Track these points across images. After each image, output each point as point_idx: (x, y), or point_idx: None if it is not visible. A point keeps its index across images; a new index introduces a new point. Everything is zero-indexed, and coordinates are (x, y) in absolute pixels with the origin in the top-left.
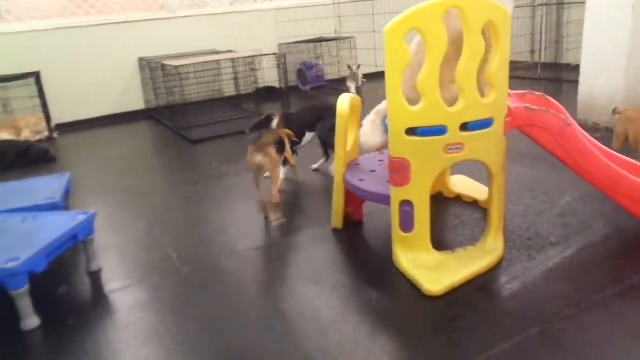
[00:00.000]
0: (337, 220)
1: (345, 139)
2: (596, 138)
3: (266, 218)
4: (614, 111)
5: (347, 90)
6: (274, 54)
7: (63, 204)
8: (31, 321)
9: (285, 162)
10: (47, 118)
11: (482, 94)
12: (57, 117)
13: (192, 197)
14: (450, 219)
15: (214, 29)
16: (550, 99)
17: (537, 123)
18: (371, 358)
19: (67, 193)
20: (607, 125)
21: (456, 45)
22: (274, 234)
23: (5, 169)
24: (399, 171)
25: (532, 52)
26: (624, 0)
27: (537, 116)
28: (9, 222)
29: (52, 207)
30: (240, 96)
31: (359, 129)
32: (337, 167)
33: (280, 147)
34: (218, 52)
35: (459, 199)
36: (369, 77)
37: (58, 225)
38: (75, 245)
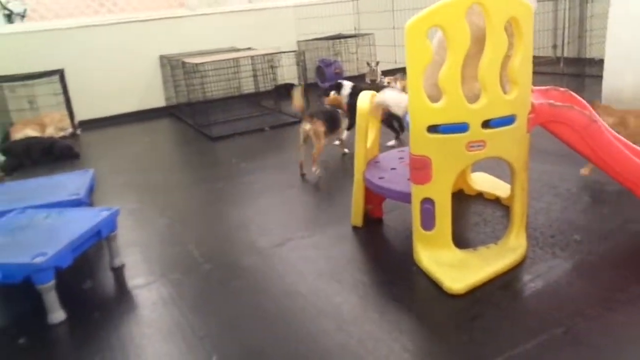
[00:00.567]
0: (357, 218)
1: (366, 137)
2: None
3: (302, 175)
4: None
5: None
6: (293, 52)
7: (87, 200)
8: (57, 315)
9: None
10: (71, 115)
11: (505, 91)
12: (80, 114)
13: (213, 193)
14: (472, 217)
15: (232, 26)
16: (575, 95)
17: (561, 119)
18: (392, 356)
19: (91, 189)
20: None
21: (478, 41)
22: (295, 231)
23: (31, 165)
24: (420, 169)
25: (555, 46)
26: None
27: (561, 113)
28: (36, 217)
29: (76, 203)
30: (259, 93)
31: (379, 127)
32: (357, 165)
33: (333, 121)
34: (237, 50)
35: (480, 196)
36: (387, 73)
37: (83, 221)
38: (99, 241)
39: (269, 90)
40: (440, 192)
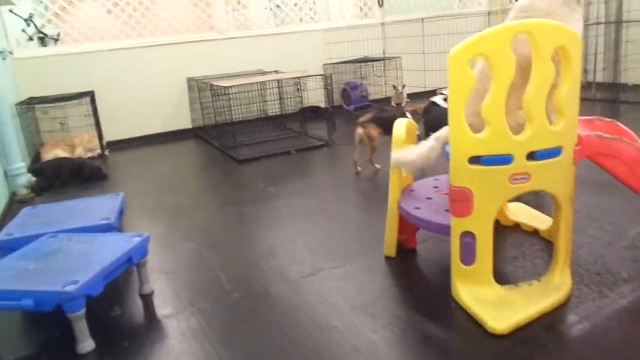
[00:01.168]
0: (390, 249)
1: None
2: None
3: (357, 173)
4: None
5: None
6: (320, 75)
7: (117, 225)
8: (86, 344)
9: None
10: (100, 136)
11: (550, 121)
12: (108, 135)
13: (240, 218)
14: (510, 249)
15: (259, 49)
16: (621, 125)
17: (610, 152)
18: None
19: (121, 213)
20: None
21: (522, 71)
22: (325, 261)
23: (60, 185)
24: (461, 201)
25: (585, 71)
26: None
27: (610, 145)
28: (67, 242)
29: (107, 228)
30: (285, 115)
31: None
32: (391, 194)
33: (387, 125)
34: (264, 73)
35: (517, 227)
36: (413, 96)
37: (114, 247)
38: (129, 267)
39: (294, 112)
40: (482, 226)
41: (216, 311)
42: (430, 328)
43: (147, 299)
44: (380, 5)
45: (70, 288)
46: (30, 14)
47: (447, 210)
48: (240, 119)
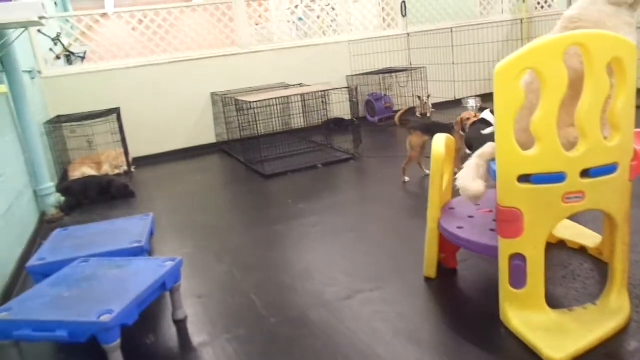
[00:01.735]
0: (430, 269)
1: (441, 183)
2: None
3: (403, 182)
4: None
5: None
6: (346, 88)
7: (148, 247)
8: None
9: None
10: (126, 152)
11: (603, 135)
12: (134, 151)
13: (271, 237)
14: (557, 269)
15: (282, 63)
16: None
17: None
18: None
19: (151, 234)
20: None
21: (572, 85)
22: (362, 282)
23: (88, 204)
24: (510, 222)
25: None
26: None
27: None
28: (100, 267)
29: (138, 251)
30: (309, 128)
31: (452, 169)
32: (430, 212)
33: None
34: (287, 86)
35: (562, 244)
36: (436, 106)
37: (148, 273)
38: (163, 292)
39: (318, 125)
40: (533, 248)
41: (253, 338)
42: (480, 356)
43: (181, 325)
44: (404, 15)
45: (106, 318)
46: (58, 33)
47: (492, 230)
48: (265, 133)
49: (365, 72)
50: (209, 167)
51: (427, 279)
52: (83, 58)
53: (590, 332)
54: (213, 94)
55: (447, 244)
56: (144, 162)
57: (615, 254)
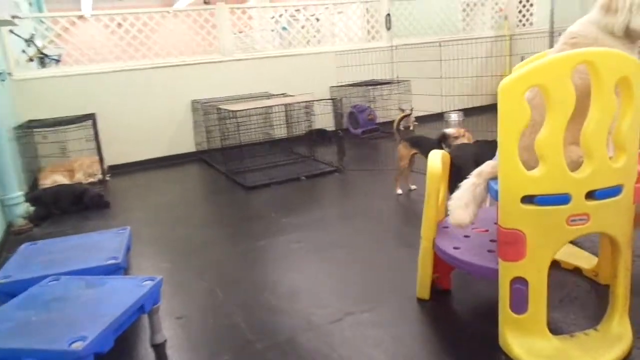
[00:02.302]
0: (423, 290)
1: (437, 201)
2: None
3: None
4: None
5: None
6: (330, 99)
7: (125, 265)
8: None
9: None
10: (101, 160)
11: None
12: (109, 159)
13: (254, 253)
14: (553, 291)
15: (266, 72)
16: None
17: None
18: None
19: (127, 250)
20: None
21: (577, 103)
22: (353, 303)
23: (59, 215)
24: (512, 244)
25: None
26: None
27: None
28: (72, 287)
29: (114, 269)
30: (291, 139)
31: (447, 186)
32: (425, 231)
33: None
34: (270, 96)
35: (556, 264)
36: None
37: (124, 294)
38: (141, 315)
39: (300, 135)
40: (536, 272)
41: None
42: None
43: (159, 350)
44: (388, 28)
45: (78, 346)
46: (32, 34)
47: (490, 251)
48: (246, 143)
49: (349, 83)
50: (188, 177)
51: (420, 300)
52: (58, 61)
53: (594, 359)
54: (194, 102)
55: (442, 264)
56: (119, 170)
57: (617, 279)
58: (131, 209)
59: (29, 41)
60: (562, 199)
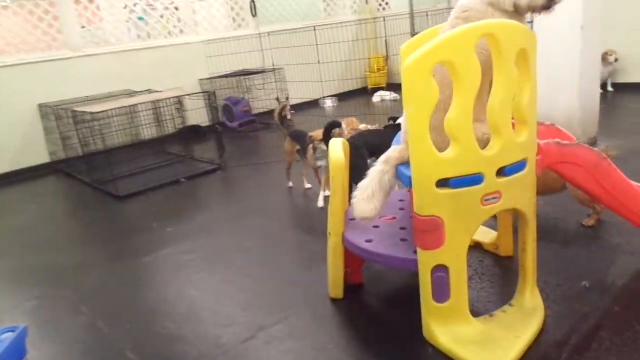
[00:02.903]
0: (336, 289)
1: (343, 192)
2: None
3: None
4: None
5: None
6: (203, 93)
7: None
8: None
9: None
10: None
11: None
12: None
13: (139, 272)
14: None
15: (125, 67)
16: (561, 128)
17: (570, 159)
18: None
19: None
20: None
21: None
22: (263, 315)
23: None
24: (430, 231)
25: None
26: (574, 19)
27: (570, 152)
28: None
29: None
30: (162, 138)
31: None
32: (332, 226)
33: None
34: (133, 93)
35: None
36: (295, 107)
37: None
38: None
39: (173, 133)
40: (456, 257)
41: None
42: None
43: None
44: (254, 15)
45: None
46: None
47: (402, 240)
48: (112, 147)
49: (219, 74)
50: (45, 192)
51: (334, 300)
52: None
53: (518, 337)
54: (42, 106)
55: (352, 258)
56: None
57: (526, 252)
58: None
59: None
60: (476, 179)
